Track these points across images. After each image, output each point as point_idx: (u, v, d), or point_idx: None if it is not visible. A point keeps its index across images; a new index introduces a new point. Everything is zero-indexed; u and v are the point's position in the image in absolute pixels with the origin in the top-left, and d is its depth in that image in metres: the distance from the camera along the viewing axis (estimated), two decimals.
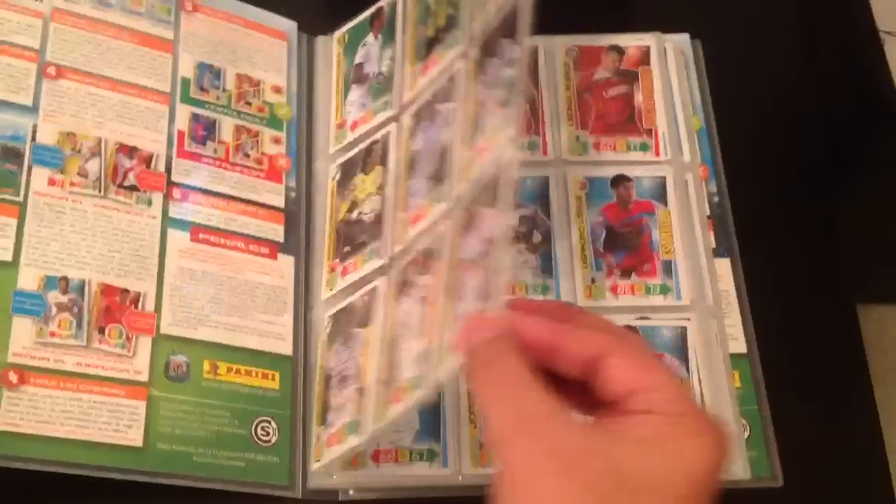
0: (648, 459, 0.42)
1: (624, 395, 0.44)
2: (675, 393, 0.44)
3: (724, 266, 0.85)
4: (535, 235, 0.84)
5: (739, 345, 0.82)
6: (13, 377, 0.69)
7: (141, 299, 0.76)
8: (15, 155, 0.76)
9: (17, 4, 0.81)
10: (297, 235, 0.83)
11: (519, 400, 0.43)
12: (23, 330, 0.71)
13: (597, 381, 0.45)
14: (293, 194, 0.85)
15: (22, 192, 0.75)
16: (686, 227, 0.84)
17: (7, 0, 0.81)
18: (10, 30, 0.80)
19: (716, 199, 0.87)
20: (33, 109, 0.78)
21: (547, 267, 0.83)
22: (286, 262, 0.82)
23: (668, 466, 0.42)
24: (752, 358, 0.82)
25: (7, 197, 0.74)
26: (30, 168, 0.76)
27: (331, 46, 0.91)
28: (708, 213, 0.86)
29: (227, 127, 0.85)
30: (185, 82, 0.85)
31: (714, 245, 0.85)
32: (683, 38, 0.94)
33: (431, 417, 0.77)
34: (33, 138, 0.77)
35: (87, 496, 0.72)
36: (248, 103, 0.86)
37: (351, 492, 0.75)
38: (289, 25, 0.91)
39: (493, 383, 0.45)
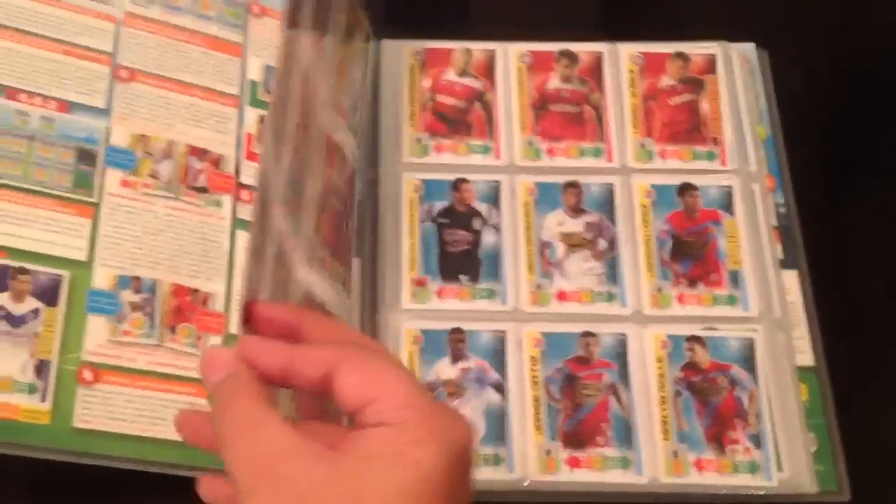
0: (373, 476, 0.40)
1: (358, 409, 0.42)
2: (404, 399, 0.42)
3: (791, 278, 0.84)
4: (600, 242, 0.84)
5: (807, 357, 0.81)
6: (88, 375, 0.70)
7: (210, 299, 0.76)
8: (89, 157, 0.77)
9: (91, 9, 0.82)
10: (362, 238, 0.83)
11: (254, 443, 0.41)
12: (97, 328, 0.72)
13: (334, 399, 0.43)
14: (359, 198, 0.85)
15: (96, 194, 0.76)
16: (753, 238, 0.84)
17: (80, 4, 0.82)
18: (83, 33, 0.81)
19: (782, 209, 0.87)
20: (106, 112, 0.79)
21: (612, 275, 0.82)
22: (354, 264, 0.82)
23: (386, 481, 0.39)
24: (819, 371, 0.81)
25: (82, 198, 0.75)
26: (104, 170, 0.77)
27: (399, 50, 0.91)
28: (775, 223, 0.86)
29: None
30: (254, 85, 0.85)
31: (781, 256, 0.84)
32: (749, 47, 0.93)
33: (497, 422, 0.77)
34: (107, 140, 0.78)
35: (158, 493, 0.72)
36: None
37: None
38: None
39: (229, 427, 0.42)
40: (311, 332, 0.48)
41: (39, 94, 0.77)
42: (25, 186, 0.74)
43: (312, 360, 0.43)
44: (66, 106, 0.78)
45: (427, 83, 0.90)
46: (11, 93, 0.77)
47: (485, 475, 0.75)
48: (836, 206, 0.89)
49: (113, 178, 0.77)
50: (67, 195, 0.75)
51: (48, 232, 0.73)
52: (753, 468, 0.76)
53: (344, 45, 0.85)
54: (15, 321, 0.70)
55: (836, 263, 0.86)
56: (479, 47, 0.92)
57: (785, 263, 0.84)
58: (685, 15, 0.97)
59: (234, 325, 0.76)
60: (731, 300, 0.81)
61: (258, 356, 0.44)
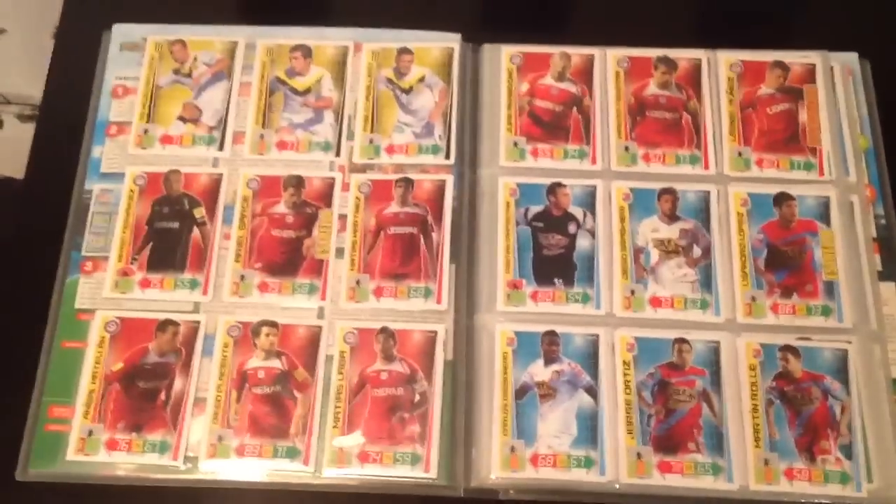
0: None
1: None
2: None
3: (889, 290, 0.84)
4: (694, 250, 0.85)
5: None
6: None
7: None
8: None
9: None
10: (458, 243, 0.85)
11: None
12: None
13: None
14: (455, 203, 0.87)
15: None
16: (850, 249, 0.84)
17: None
18: None
19: (882, 221, 0.86)
20: None
21: (706, 282, 0.83)
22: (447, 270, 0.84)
23: None
24: None
25: None
26: None
27: (498, 53, 0.93)
28: (874, 235, 0.85)
29: None
30: None
31: (880, 268, 0.84)
32: (851, 57, 0.93)
33: (589, 425, 0.78)
34: None
35: None
36: None
37: (511, 492, 0.77)
38: (453, 38, 0.94)
39: None
40: None
41: None
42: None
43: None
44: None
45: (525, 87, 0.92)
46: None
47: (576, 477, 0.77)
48: None
49: None
50: None
51: None
52: (844, 479, 0.76)
53: None
54: None
55: None
56: (577, 52, 0.93)
57: (883, 275, 0.84)
58: (785, 23, 0.97)
59: None
60: (826, 311, 0.82)
61: None
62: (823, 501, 0.76)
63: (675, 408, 0.79)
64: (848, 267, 0.83)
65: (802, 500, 0.76)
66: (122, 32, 0.94)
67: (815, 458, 0.77)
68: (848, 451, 0.77)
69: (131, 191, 0.88)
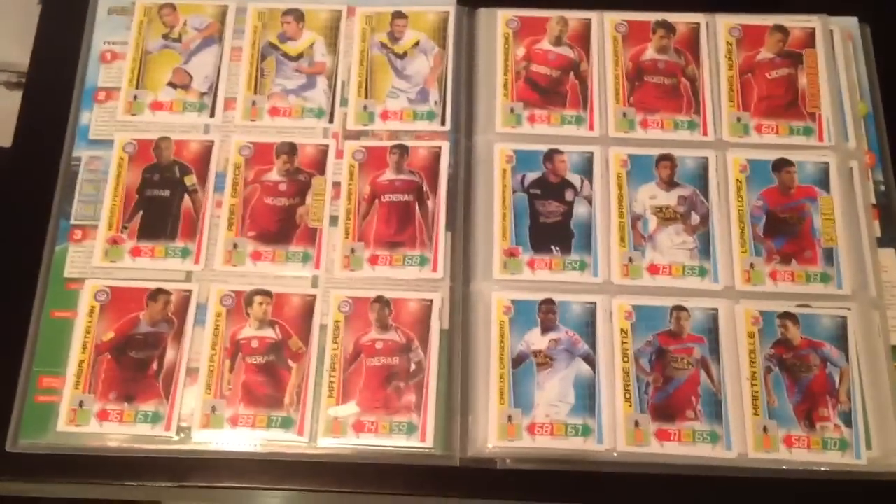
0: None
1: None
2: None
3: (888, 256, 0.83)
4: (693, 217, 0.84)
5: None
6: None
7: None
8: None
9: None
10: (454, 211, 0.84)
11: None
12: None
13: None
14: (451, 170, 0.86)
15: None
16: (849, 216, 0.83)
17: None
18: None
19: (882, 187, 0.85)
20: None
21: (705, 249, 0.82)
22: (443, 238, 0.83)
23: None
24: None
25: None
26: None
27: (493, 18, 0.91)
28: (873, 201, 0.85)
29: None
30: None
31: (879, 234, 0.83)
32: (851, 21, 0.92)
33: (586, 393, 0.78)
34: None
35: None
36: None
37: (508, 461, 0.77)
38: (448, 1, 0.92)
39: None
40: None
41: None
42: None
43: None
44: None
45: (521, 52, 0.90)
46: None
47: (573, 445, 0.76)
48: None
49: None
50: None
51: None
52: (843, 446, 0.76)
53: None
54: None
55: None
56: (574, 16, 0.92)
57: (882, 242, 0.83)
58: None
59: None
60: (825, 278, 0.81)
61: None
62: (822, 469, 0.75)
63: (672, 376, 0.78)
64: (847, 233, 0.82)
65: (801, 468, 0.75)
66: None
67: (814, 426, 0.76)
68: (847, 419, 0.77)
69: (121, 158, 0.86)
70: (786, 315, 0.80)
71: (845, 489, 0.76)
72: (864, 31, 0.91)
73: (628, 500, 0.77)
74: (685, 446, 0.76)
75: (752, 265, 0.82)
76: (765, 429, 0.76)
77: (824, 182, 0.84)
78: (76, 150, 0.87)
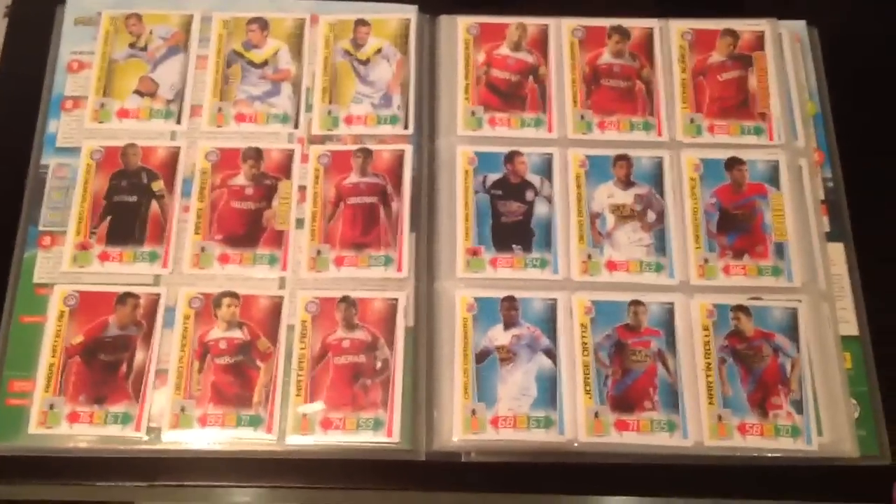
0: None
1: None
2: None
3: (837, 250, 0.86)
4: (649, 214, 0.86)
5: (851, 327, 0.83)
6: None
7: None
8: None
9: None
10: (418, 212, 0.86)
11: None
12: None
13: None
14: (414, 172, 0.88)
15: None
16: (798, 211, 0.86)
17: None
18: None
19: (830, 184, 0.88)
20: None
21: (660, 246, 0.85)
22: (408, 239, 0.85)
23: None
24: (863, 340, 0.83)
25: None
26: None
27: (454, 24, 0.93)
28: (822, 197, 0.87)
29: None
30: None
31: (828, 229, 0.86)
32: (799, 25, 0.95)
33: (548, 386, 0.80)
34: None
35: None
36: None
37: (472, 454, 0.78)
38: (410, 9, 0.94)
39: None
40: None
41: None
42: None
43: None
44: None
45: (481, 57, 0.93)
46: None
47: (536, 437, 0.78)
48: (882, 181, 0.90)
49: None
50: None
51: None
52: (795, 432, 0.79)
53: None
54: None
55: (882, 237, 0.87)
56: (532, 22, 0.94)
57: (831, 236, 0.86)
58: None
59: None
60: (776, 271, 0.84)
61: None
62: (775, 455, 0.78)
63: (631, 368, 0.80)
64: (797, 228, 0.85)
65: (755, 454, 0.78)
66: (76, 7, 0.94)
67: (767, 414, 0.79)
68: (799, 406, 0.79)
69: (88, 165, 0.88)
70: (739, 308, 0.82)
71: (798, 474, 0.78)
72: (811, 34, 0.95)
73: (590, 489, 0.79)
74: (644, 436, 0.78)
75: (706, 260, 0.84)
76: (719, 417, 0.79)
77: (774, 179, 0.87)
78: (44, 158, 0.88)
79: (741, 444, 0.78)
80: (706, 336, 0.81)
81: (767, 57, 0.92)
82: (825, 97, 0.92)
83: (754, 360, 0.81)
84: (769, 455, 0.78)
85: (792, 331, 0.81)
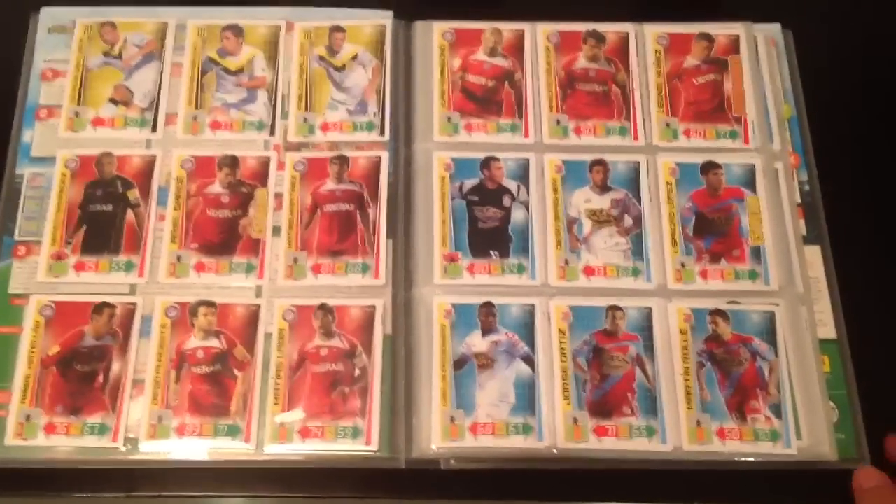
0: None
1: None
2: None
3: (814, 253, 0.86)
4: (626, 219, 0.86)
5: (829, 330, 0.83)
6: None
7: None
8: None
9: None
10: (395, 218, 0.86)
11: None
12: None
13: None
14: (391, 179, 0.88)
15: None
16: (775, 215, 0.86)
17: None
18: None
19: (806, 187, 0.89)
20: None
21: (638, 251, 0.85)
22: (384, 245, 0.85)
23: None
24: (841, 343, 0.83)
25: None
26: None
27: (430, 30, 0.93)
28: (798, 200, 0.88)
29: None
30: None
31: (804, 232, 0.87)
32: (774, 28, 0.95)
33: (526, 392, 0.80)
34: None
35: None
36: None
37: (452, 461, 0.78)
38: (385, 15, 0.94)
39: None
40: None
41: None
42: None
43: None
44: None
45: (457, 63, 0.93)
46: None
47: (515, 443, 0.78)
48: (858, 184, 0.91)
49: None
50: None
51: None
52: (774, 436, 0.79)
53: None
54: None
55: (858, 239, 0.88)
56: (508, 27, 0.94)
57: (808, 239, 0.87)
58: None
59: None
60: (753, 275, 0.84)
61: None
62: (754, 459, 0.78)
63: (609, 373, 0.80)
64: (774, 232, 0.85)
65: (734, 458, 0.78)
66: (50, 15, 0.93)
67: (745, 418, 0.79)
68: (777, 410, 0.79)
69: (63, 174, 0.87)
70: (716, 312, 0.82)
71: (777, 478, 0.79)
72: (787, 37, 0.95)
73: (570, 495, 0.79)
74: (622, 441, 0.78)
75: (682, 265, 0.84)
76: (698, 422, 0.79)
77: (751, 183, 0.87)
78: (19, 168, 0.87)
79: (720, 448, 0.78)
80: (684, 341, 0.81)
81: (743, 60, 0.92)
82: (800, 100, 0.92)
83: (732, 365, 0.81)
84: (748, 459, 0.78)
85: (770, 335, 0.82)
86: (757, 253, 0.84)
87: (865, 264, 0.86)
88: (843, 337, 0.83)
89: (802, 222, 0.87)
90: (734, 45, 0.92)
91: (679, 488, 0.78)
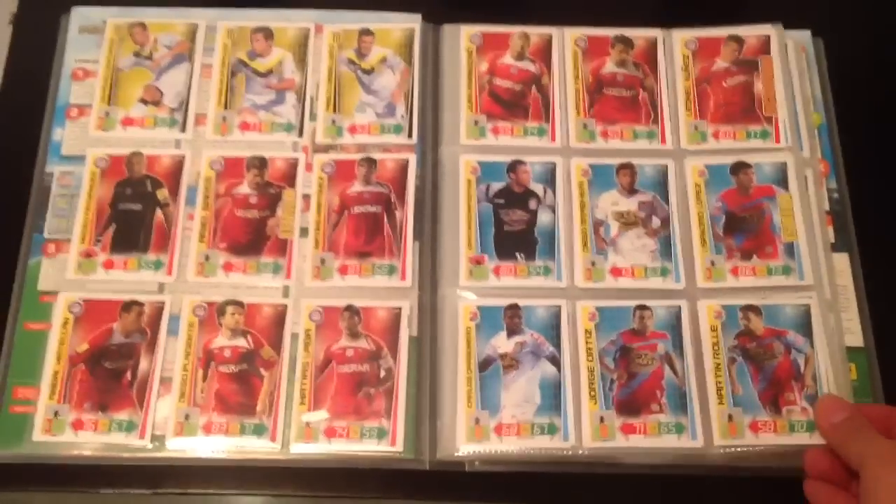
0: None
1: None
2: None
3: (842, 261, 0.85)
4: (653, 220, 0.86)
5: (856, 339, 0.83)
6: None
7: None
8: None
9: None
10: (421, 221, 0.86)
11: (880, 448, 0.65)
12: None
13: None
14: (418, 181, 0.88)
15: None
16: (806, 212, 0.85)
17: None
18: None
19: (835, 194, 0.88)
20: None
21: (666, 251, 0.85)
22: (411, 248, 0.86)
23: None
24: (868, 352, 0.82)
25: None
26: None
27: (458, 34, 0.94)
28: (827, 208, 0.87)
29: None
30: None
31: (833, 240, 0.86)
32: (805, 35, 0.95)
33: (552, 392, 0.79)
34: None
35: None
36: None
37: (476, 463, 0.78)
38: (413, 18, 0.95)
39: (860, 443, 0.66)
40: None
41: None
42: None
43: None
44: None
45: (484, 66, 0.93)
46: None
47: (540, 443, 0.78)
48: (888, 192, 0.90)
49: None
50: None
51: None
52: (811, 427, 0.78)
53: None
54: None
55: (887, 248, 0.87)
56: (536, 31, 0.94)
57: (836, 247, 0.86)
58: (741, 5, 0.99)
59: None
60: (787, 270, 0.83)
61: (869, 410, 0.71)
62: (791, 450, 0.77)
63: (637, 371, 0.80)
64: (806, 228, 0.84)
65: (769, 451, 0.77)
66: (81, 15, 0.94)
67: (780, 410, 0.78)
68: (813, 401, 0.78)
69: (93, 173, 0.88)
70: (748, 308, 0.82)
71: None
72: (817, 45, 0.94)
73: (596, 498, 0.79)
74: (650, 438, 0.78)
75: (712, 263, 0.84)
76: (730, 416, 0.78)
77: (782, 181, 0.87)
78: (48, 166, 0.88)
79: (753, 441, 0.77)
80: (714, 337, 0.81)
81: (774, 59, 0.92)
82: (830, 108, 0.91)
83: (765, 358, 0.80)
84: (783, 451, 0.77)
85: (805, 327, 0.81)
86: (790, 249, 0.84)
87: (894, 273, 0.85)
88: (871, 345, 0.82)
89: (831, 230, 0.86)
90: (765, 46, 0.92)
91: (711, 492, 0.77)
